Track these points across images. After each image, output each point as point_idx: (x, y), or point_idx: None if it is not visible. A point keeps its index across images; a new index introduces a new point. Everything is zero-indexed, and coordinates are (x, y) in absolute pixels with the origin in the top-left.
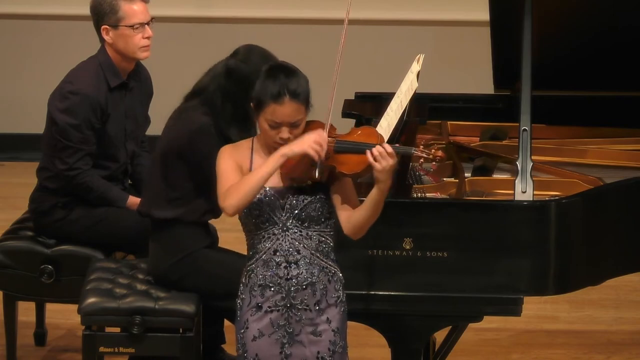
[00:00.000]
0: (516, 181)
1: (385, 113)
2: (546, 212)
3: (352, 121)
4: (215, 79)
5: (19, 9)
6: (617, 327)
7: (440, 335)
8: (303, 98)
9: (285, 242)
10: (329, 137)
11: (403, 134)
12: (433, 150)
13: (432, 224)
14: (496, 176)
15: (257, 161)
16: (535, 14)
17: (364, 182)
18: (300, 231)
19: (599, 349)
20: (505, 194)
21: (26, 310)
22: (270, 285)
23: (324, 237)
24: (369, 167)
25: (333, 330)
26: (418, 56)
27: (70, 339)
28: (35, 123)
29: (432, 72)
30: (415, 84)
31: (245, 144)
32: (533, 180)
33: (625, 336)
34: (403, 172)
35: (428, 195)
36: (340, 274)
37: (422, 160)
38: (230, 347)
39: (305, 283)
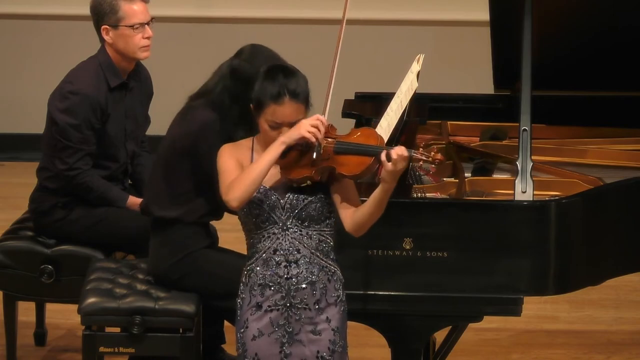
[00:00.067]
0: (516, 181)
1: (385, 113)
2: (546, 212)
3: (352, 121)
4: (221, 80)
5: (19, 9)
6: (617, 327)
7: (440, 335)
8: (303, 98)
9: (285, 241)
10: (329, 137)
11: (403, 134)
12: (433, 153)
13: (432, 224)
14: (496, 176)
15: None
16: (535, 14)
17: (364, 182)
18: (300, 230)
19: (599, 349)
20: (505, 194)
21: (26, 310)
22: (270, 284)
23: (324, 237)
24: (369, 169)
25: (333, 330)
26: (418, 56)
27: (70, 339)
28: (35, 123)
29: (432, 72)
30: (415, 84)
31: (245, 143)
32: (533, 180)
33: (625, 336)
34: (403, 172)
35: (428, 195)
36: (340, 274)
37: (421, 162)
38: (230, 347)
39: (305, 282)
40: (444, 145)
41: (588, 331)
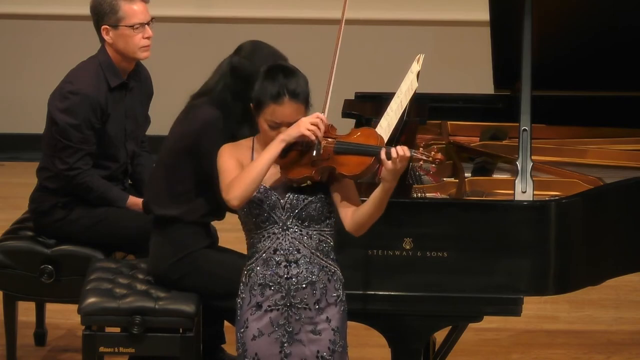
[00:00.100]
0: (516, 181)
1: (385, 113)
2: (546, 212)
3: (352, 121)
4: (222, 78)
5: (19, 9)
6: (617, 327)
7: (440, 335)
8: (302, 98)
9: (285, 241)
10: (329, 137)
11: (403, 134)
12: (433, 153)
13: (432, 224)
14: (496, 176)
15: None
16: (535, 14)
17: (364, 182)
18: (301, 230)
19: (599, 349)
20: (505, 194)
21: (26, 310)
22: (270, 284)
23: (324, 237)
24: (369, 169)
25: (333, 330)
26: (418, 56)
27: (70, 339)
28: (35, 123)
29: (432, 72)
30: (415, 84)
31: (245, 143)
32: (533, 180)
33: (625, 336)
34: (403, 172)
35: (428, 195)
36: (340, 273)
37: (421, 162)
38: (230, 347)
39: (305, 282)
40: (444, 145)
41: (588, 331)
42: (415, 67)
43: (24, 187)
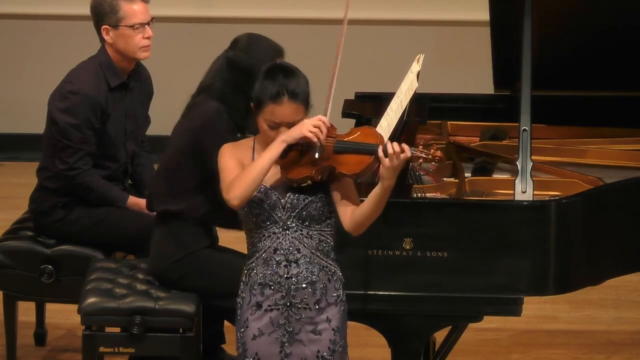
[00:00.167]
0: (516, 181)
1: (385, 113)
2: (546, 212)
3: (352, 121)
4: (218, 73)
5: (19, 9)
6: (617, 327)
7: (440, 335)
8: (302, 98)
9: (285, 240)
10: (329, 136)
11: (403, 134)
12: (432, 151)
13: (432, 224)
14: (496, 176)
15: None
16: (535, 14)
17: (364, 182)
18: (301, 230)
19: (599, 349)
20: (505, 194)
21: (26, 310)
22: (270, 283)
23: (324, 236)
24: (369, 168)
25: (333, 329)
26: (418, 56)
27: (70, 339)
28: (35, 123)
29: (432, 72)
30: (415, 84)
31: (246, 143)
32: (533, 180)
33: (625, 336)
34: (403, 172)
35: (428, 195)
36: (340, 273)
37: (421, 160)
38: (230, 347)
39: (305, 282)
40: (444, 145)
41: (588, 331)
42: (415, 67)
43: (24, 187)
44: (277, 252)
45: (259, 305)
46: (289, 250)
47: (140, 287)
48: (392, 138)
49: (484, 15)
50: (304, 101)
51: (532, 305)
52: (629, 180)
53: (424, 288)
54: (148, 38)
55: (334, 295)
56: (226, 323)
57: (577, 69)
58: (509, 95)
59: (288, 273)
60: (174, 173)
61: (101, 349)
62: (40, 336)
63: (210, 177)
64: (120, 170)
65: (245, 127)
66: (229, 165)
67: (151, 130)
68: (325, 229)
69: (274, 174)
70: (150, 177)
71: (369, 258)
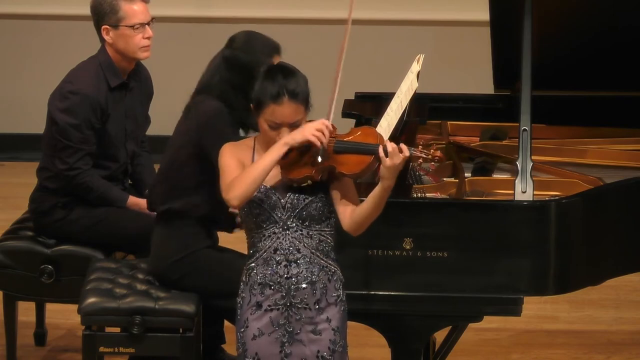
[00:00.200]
0: (516, 181)
1: (385, 113)
2: (546, 212)
3: (352, 121)
4: (217, 72)
5: (19, 9)
6: (617, 327)
7: (440, 335)
8: (302, 98)
9: (285, 240)
10: (329, 137)
11: (403, 134)
12: (432, 151)
13: (432, 224)
14: (496, 176)
15: None
16: (535, 14)
17: (364, 182)
18: (301, 230)
19: (599, 349)
20: (505, 194)
21: (26, 310)
22: (270, 283)
23: (324, 236)
24: (369, 167)
25: (333, 329)
26: (418, 56)
27: (70, 339)
28: (35, 123)
29: (432, 72)
30: (415, 84)
31: (246, 143)
32: (533, 180)
33: (625, 336)
34: (403, 172)
35: (428, 195)
36: (340, 273)
37: (421, 160)
38: (230, 347)
39: (305, 282)
40: (444, 145)
41: (588, 331)
42: (415, 67)
43: (24, 187)
44: (277, 252)
45: (259, 305)
46: (289, 250)
47: (140, 287)
48: (392, 138)
49: (484, 15)
50: (304, 101)
51: (532, 305)
52: (629, 180)
53: (424, 288)
54: (148, 38)
55: (334, 295)
56: (226, 323)
57: (577, 69)
58: (509, 95)
59: (288, 273)
60: (175, 172)
61: (101, 349)
62: (40, 336)
63: (213, 174)
64: (120, 170)
65: (247, 124)
66: (229, 165)
67: (151, 130)
68: (325, 229)
69: (274, 174)
70: (150, 177)
71: (369, 258)
